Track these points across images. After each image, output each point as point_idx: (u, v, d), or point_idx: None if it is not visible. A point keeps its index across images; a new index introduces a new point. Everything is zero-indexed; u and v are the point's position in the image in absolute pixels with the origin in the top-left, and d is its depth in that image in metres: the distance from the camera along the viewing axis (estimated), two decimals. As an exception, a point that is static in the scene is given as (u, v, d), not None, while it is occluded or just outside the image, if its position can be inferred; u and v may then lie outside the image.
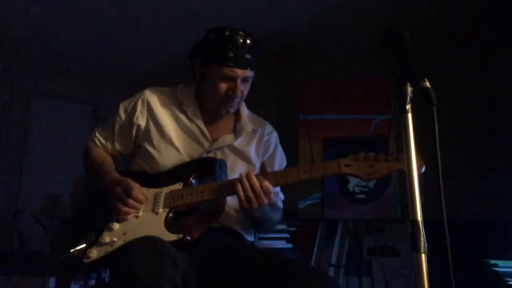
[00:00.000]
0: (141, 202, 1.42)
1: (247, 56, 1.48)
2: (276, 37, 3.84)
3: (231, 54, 1.46)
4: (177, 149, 1.56)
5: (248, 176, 1.34)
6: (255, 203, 1.34)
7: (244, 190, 1.33)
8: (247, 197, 1.33)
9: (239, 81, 1.50)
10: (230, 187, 1.39)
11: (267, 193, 1.35)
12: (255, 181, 1.33)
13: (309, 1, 3.47)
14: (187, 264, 1.26)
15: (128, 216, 1.41)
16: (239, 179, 1.35)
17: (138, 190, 1.42)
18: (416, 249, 0.88)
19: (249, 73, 1.51)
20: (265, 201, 1.35)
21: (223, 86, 1.51)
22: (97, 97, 4.88)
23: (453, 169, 3.35)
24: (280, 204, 1.66)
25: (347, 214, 3.10)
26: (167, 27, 3.94)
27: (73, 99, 4.83)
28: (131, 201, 1.39)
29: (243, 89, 1.53)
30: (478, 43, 3.75)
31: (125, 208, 1.40)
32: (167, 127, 1.58)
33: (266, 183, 1.34)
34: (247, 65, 1.49)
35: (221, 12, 3.54)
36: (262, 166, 1.41)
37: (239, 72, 1.48)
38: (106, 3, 3.56)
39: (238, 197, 1.35)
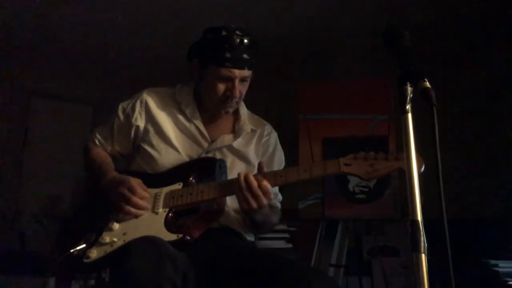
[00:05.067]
0: (145, 199, 1.42)
1: (245, 56, 1.47)
2: (276, 37, 3.83)
3: (228, 55, 1.45)
4: (176, 149, 1.56)
5: (245, 176, 1.33)
6: (254, 204, 1.33)
7: (241, 190, 1.33)
8: (245, 198, 1.32)
9: (237, 81, 1.50)
10: (229, 187, 1.39)
11: (266, 193, 1.34)
12: (252, 180, 1.32)
13: (309, 1, 3.46)
14: (187, 264, 1.26)
15: (128, 216, 1.41)
16: (236, 180, 1.35)
17: (141, 187, 1.42)
18: (416, 249, 0.88)
19: (247, 73, 1.51)
20: (264, 201, 1.34)
21: (221, 86, 1.50)
22: (97, 97, 4.87)
23: (453, 169, 3.35)
24: (279, 205, 1.65)
25: (347, 214, 3.10)
26: (167, 27, 3.93)
27: (73, 99, 4.83)
28: (135, 199, 1.39)
29: (241, 89, 1.53)
30: (479, 42, 3.75)
31: (128, 207, 1.40)
32: (166, 128, 1.58)
33: (265, 183, 1.33)
34: (244, 65, 1.48)
35: (221, 12, 3.54)
36: (259, 166, 1.40)
37: (237, 72, 1.48)
38: (106, 3, 3.56)
39: (237, 198, 1.35)
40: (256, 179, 1.33)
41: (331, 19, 3.67)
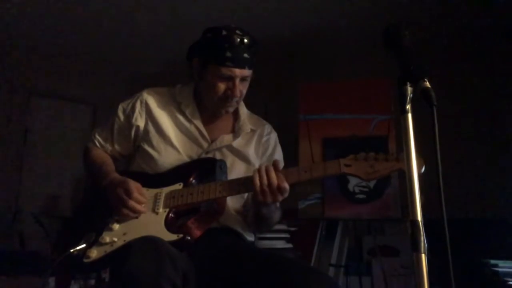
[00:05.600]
0: (141, 204, 1.42)
1: (245, 55, 1.47)
2: (276, 37, 3.84)
3: (228, 54, 1.45)
4: (176, 149, 1.56)
5: (266, 168, 1.33)
6: (269, 198, 1.33)
7: (261, 182, 1.32)
8: (263, 190, 1.32)
9: (237, 80, 1.49)
10: (244, 184, 1.38)
11: (283, 191, 1.34)
12: (273, 175, 1.32)
13: (309, 2, 3.47)
14: (187, 264, 1.26)
15: (128, 217, 1.41)
16: (255, 174, 1.34)
17: (138, 191, 1.42)
18: (416, 249, 0.88)
19: (247, 72, 1.51)
20: (280, 198, 1.34)
21: (222, 86, 1.50)
22: (97, 97, 4.87)
23: (453, 169, 3.35)
24: (279, 205, 1.65)
25: (347, 214, 3.10)
26: (167, 27, 3.94)
27: (73, 99, 4.83)
28: (131, 203, 1.39)
29: (242, 88, 1.53)
30: (479, 42, 3.75)
31: (125, 210, 1.40)
32: (166, 128, 1.58)
33: (285, 184, 1.33)
34: (245, 64, 1.48)
35: (221, 13, 3.54)
36: (275, 164, 1.39)
37: (237, 71, 1.48)
38: (106, 3, 3.56)
39: (254, 189, 1.34)
40: (278, 177, 1.33)
41: (331, 19, 3.67)
